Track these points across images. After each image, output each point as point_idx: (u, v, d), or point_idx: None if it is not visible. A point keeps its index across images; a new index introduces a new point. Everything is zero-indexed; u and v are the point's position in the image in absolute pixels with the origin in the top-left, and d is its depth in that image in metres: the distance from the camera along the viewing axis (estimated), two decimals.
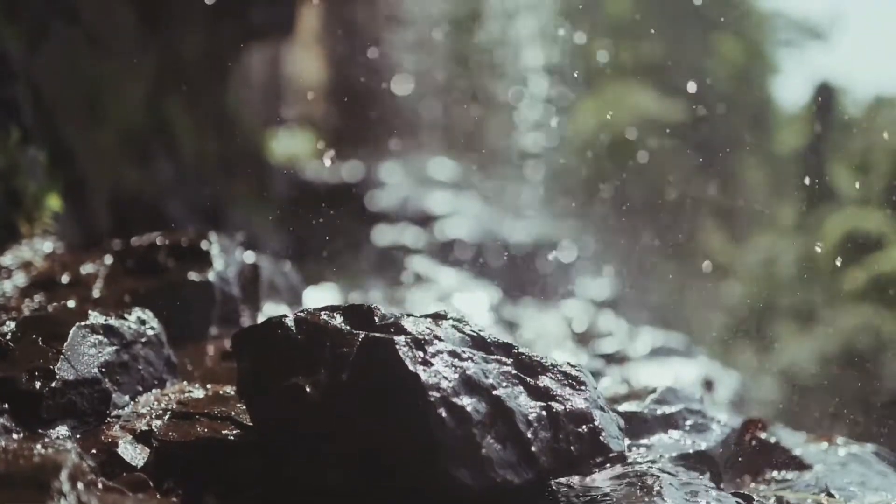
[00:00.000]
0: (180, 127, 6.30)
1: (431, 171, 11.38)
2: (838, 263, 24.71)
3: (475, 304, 3.47)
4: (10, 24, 3.86)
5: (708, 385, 3.76)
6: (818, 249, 25.73)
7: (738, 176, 27.55)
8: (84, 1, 5.75)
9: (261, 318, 2.78)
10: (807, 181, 28.37)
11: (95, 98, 5.20)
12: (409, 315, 2.80)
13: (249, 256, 2.99)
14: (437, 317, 1.81)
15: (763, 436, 2.16)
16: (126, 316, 1.97)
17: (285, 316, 1.69)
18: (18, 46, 3.90)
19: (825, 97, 29.18)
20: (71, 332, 1.84)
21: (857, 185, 29.58)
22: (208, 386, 1.97)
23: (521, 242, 8.36)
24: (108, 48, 5.55)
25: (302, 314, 1.67)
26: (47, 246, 3.19)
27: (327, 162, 10.12)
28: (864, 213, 26.48)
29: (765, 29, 29.85)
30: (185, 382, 2.03)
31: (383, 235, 7.26)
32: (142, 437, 1.68)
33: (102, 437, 1.67)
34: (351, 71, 15.95)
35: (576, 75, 22.12)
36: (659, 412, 2.00)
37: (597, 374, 2.70)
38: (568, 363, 2.58)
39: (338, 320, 1.66)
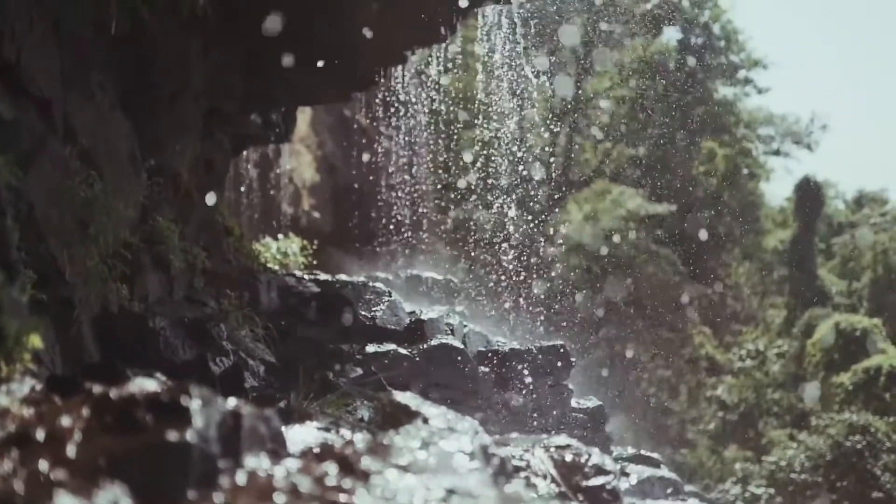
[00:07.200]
0: (171, 240, 6.32)
1: (421, 274, 11.40)
2: (826, 364, 24.59)
3: (461, 445, 3.41)
4: (1, 153, 3.89)
5: None
6: (807, 349, 25.65)
7: (727, 276, 27.71)
8: (80, 119, 5.84)
9: (240, 475, 2.72)
10: (794, 280, 28.53)
11: (87, 217, 5.22)
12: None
13: (231, 403, 2.94)
14: None
15: None
16: (97, 500, 1.91)
17: None
18: (9, 176, 3.93)
19: (809, 191, 29.64)
20: None
21: (843, 286, 29.72)
22: None
23: (510, 352, 8.30)
24: (102, 167, 5.60)
25: None
26: (27, 387, 3.14)
27: (317, 269, 10.13)
28: (851, 314, 26.50)
29: (752, 136, 30.54)
30: None
31: (371, 349, 7.21)
32: None
33: None
34: (343, 174, 16.15)
35: (566, 176, 22.46)
36: None
37: None
38: None
39: None
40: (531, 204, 15.18)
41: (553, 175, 21.96)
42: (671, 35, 28.37)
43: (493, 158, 14.66)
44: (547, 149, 22.72)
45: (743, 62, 29.45)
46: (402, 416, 3.84)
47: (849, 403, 23.16)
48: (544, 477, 4.20)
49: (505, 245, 13.26)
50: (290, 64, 9.26)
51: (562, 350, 8.60)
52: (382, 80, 11.23)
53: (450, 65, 12.23)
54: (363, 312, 7.80)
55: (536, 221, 15.08)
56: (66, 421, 2.68)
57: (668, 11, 26.78)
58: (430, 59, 11.24)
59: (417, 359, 7.37)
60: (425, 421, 3.80)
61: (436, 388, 7.08)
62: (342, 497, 2.48)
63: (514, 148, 14.08)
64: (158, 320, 5.60)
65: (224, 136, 9.56)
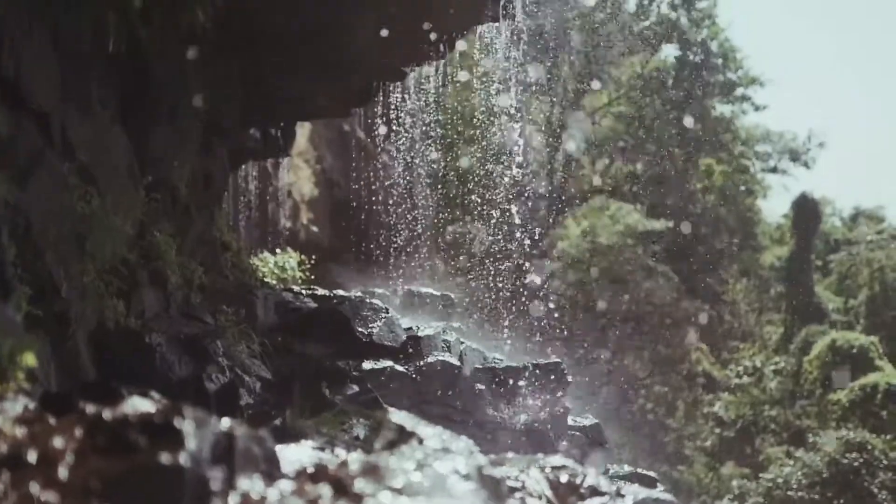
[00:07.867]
0: (168, 256, 6.31)
1: (418, 289, 11.38)
2: (823, 381, 24.59)
3: (456, 466, 3.39)
4: None
5: None
6: (804, 366, 25.64)
7: (724, 292, 27.68)
8: (78, 133, 5.84)
9: (233, 498, 2.70)
10: (791, 297, 28.52)
11: (84, 232, 5.21)
12: None
13: (224, 424, 2.92)
14: None
15: None
16: None
17: None
18: (7, 191, 3.93)
19: (806, 208, 29.70)
20: None
21: (840, 303, 29.72)
22: None
23: (506, 370, 8.28)
24: (100, 182, 5.60)
25: None
26: (19, 406, 3.12)
27: (315, 284, 10.11)
28: (847, 331, 26.52)
29: (749, 153, 30.60)
30: None
31: (367, 366, 7.18)
32: None
33: None
34: (341, 189, 16.19)
35: (564, 191, 22.47)
36: None
37: None
38: None
39: None
40: (529, 219, 15.18)
41: (551, 190, 22.01)
42: (669, 52, 28.50)
43: (491, 174, 14.68)
44: (545, 164, 22.77)
45: (740, 80, 29.55)
46: (397, 436, 3.81)
47: (845, 421, 23.15)
48: (539, 498, 4.18)
49: (503, 261, 13.26)
50: (289, 79, 9.29)
51: (558, 367, 8.58)
52: (381, 96, 11.26)
53: (448, 80, 12.26)
54: (360, 329, 7.78)
55: (534, 237, 15.09)
56: (58, 442, 2.66)
57: (665, 29, 26.91)
58: (429, 74, 11.27)
59: (414, 376, 7.35)
60: (420, 441, 3.78)
61: (432, 405, 7.06)
62: None
63: (513, 163, 14.11)
64: (155, 336, 5.58)
65: (223, 150, 9.56)
